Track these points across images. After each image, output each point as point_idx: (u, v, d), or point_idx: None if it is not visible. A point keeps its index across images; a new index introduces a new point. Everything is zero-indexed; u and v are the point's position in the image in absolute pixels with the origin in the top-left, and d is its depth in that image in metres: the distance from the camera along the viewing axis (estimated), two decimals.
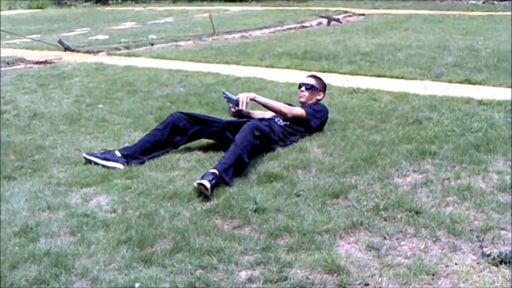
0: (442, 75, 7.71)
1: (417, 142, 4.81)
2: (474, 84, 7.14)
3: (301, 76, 8.23)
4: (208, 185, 3.95)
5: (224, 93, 5.11)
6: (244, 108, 4.98)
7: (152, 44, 13.21)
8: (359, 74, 8.31)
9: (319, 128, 5.30)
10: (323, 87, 5.55)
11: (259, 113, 5.42)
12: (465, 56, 9.26)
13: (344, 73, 8.43)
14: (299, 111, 5.21)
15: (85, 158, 4.79)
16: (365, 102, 6.44)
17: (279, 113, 5.13)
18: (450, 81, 7.37)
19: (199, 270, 3.03)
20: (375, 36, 12.71)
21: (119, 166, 4.65)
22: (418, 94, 6.67)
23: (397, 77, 7.88)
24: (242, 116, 5.14)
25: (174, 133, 4.94)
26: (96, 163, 4.71)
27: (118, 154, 4.76)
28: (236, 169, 4.26)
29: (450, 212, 3.54)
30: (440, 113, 5.71)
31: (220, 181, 4.09)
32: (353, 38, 12.52)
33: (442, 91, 6.79)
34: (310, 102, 5.41)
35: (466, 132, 5.02)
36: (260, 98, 5.11)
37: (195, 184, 4.03)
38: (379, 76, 8.07)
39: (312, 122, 5.19)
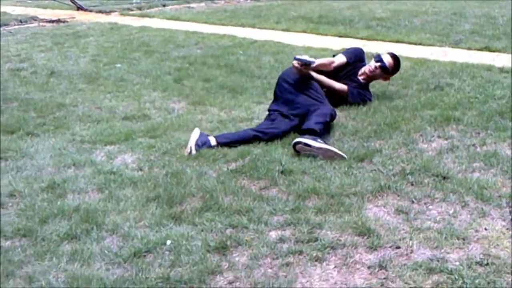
0: (461, 42, 7.65)
1: (440, 108, 4.79)
2: (493, 51, 7.09)
3: (318, 40, 8.24)
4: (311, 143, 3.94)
5: (295, 57, 4.75)
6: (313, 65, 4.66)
7: (164, 6, 13.13)
8: (376, 40, 8.25)
9: (351, 103, 5.04)
10: (395, 71, 5.19)
11: (324, 78, 4.94)
12: (483, 23, 9.16)
13: (361, 38, 8.37)
14: (342, 86, 4.96)
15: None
16: None
17: (333, 90, 4.88)
18: (469, 48, 7.31)
19: (230, 229, 3.05)
20: (389, 1, 12.58)
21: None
22: (438, 60, 6.62)
23: (415, 43, 7.83)
24: (304, 75, 4.72)
25: None
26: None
27: (213, 142, 4.21)
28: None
29: (477, 178, 3.53)
30: (461, 80, 5.68)
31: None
32: (367, 3, 12.40)
33: (462, 57, 6.73)
34: (371, 81, 5.16)
35: (489, 99, 4.99)
36: (318, 76, 4.83)
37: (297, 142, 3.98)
38: (397, 41, 8.01)
39: (350, 97, 4.98)
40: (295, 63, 4.65)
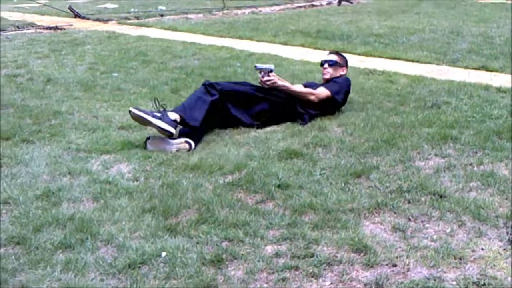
0: (458, 61, 7.68)
1: (437, 126, 4.79)
2: (491, 71, 7.10)
3: (316, 55, 8.25)
4: None
5: (256, 66, 5.06)
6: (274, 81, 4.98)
7: (162, 15, 13.15)
8: (374, 56, 8.27)
9: (345, 101, 5.35)
10: (345, 62, 5.59)
11: (292, 86, 5.26)
12: (480, 43, 9.21)
13: (359, 54, 8.39)
14: (323, 92, 5.15)
15: (132, 113, 4.40)
16: (382, 84, 6.41)
17: (303, 98, 5.08)
18: (467, 67, 7.33)
19: (225, 242, 3.02)
20: (387, 18, 12.65)
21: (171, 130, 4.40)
22: (435, 78, 6.64)
23: (413, 61, 7.85)
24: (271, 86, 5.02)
25: None
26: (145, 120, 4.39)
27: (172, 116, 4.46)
28: None
29: (474, 197, 3.52)
30: (459, 99, 5.69)
31: None
32: (365, 19, 12.46)
33: (459, 76, 6.75)
34: (334, 78, 5.43)
35: (486, 118, 4.99)
36: (282, 84, 5.04)
37: None
38: (394, 58, 8.03)
39: (338, 98, 5.20)
40: (260, 77, 5.00)
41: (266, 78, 4.92)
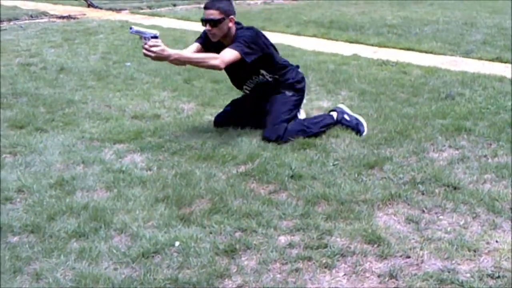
0: (472, 52, 7.61)
1: (451, 117, 4.76)
2: (505, 62, 7.05)
3: (329, 45, 8.22)
4: None
5: (131, 28, 4.11)
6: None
7: (174, 5, 13.14)
8: (387, 46, 8.22)
9: (268, 61, 4.42)
10: (227, 9, 4.25)
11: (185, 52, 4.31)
12: (494, 34, 9.13)
13: (372, 45, 8.35)
14: (230, 55, 4.12)
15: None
16: (395, 74, 6.37)
17: (204, 65, 4.14)
18: (481, 58, 7.28)
19: (239, 232, 3.02)
20: (400, 9, 12.57)
21: None
22: (449, 69, 6.59)
23: (426, 52, 7.79)
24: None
25: None
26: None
27: None
28: None
29: (488, 189, 3.50)
30: (473, 90, 5.65)
31: None
32: (378, 10, 12.39)
33: (473, 67, 6.70)
34: (228, 37, 4.30)
35: (500, 110, 4.96)
36: (173, 52, 4.00)
37: None
38: (407, 49, 7.98)
39: (247, 59, 4.20)
40: (143, 44, 3.97)
41: (151, 42, 3.90)
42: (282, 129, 4.30)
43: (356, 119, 4.59)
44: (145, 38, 3.96)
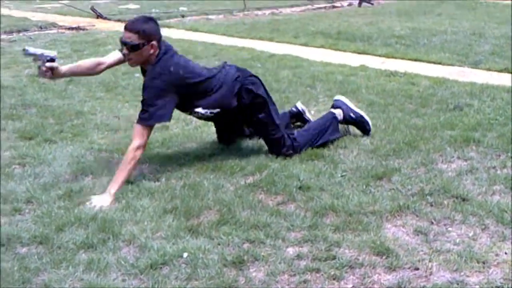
0: (481, 63, 7.59)
1: (459, 128, 4.75)
2: None
3: (337, 56, 8.23)
4: None
5: (26, 50, 3.81)
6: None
7: (183, 16, 13.17)
8: (395, 57, 8.20)
9: (195, 95, 3.96)
10: (150, 33, 3.76)
11: (85, 64, 4.12)
12: (502, 44, 9.09)
13: (380, 56, 8.33)
14: (143, 133, 3.81)
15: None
16: (403, 85, 6.36)
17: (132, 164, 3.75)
18: (489, 69, 7.24)
19: (247, 244, 3.02)
20: (408, 19, 12.54)
21: None
22: (457, 80, 6.57)
23: (434, 62, 7.76)
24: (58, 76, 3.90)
25: None
26: None
27: None
28: None
29: (497, 201, 3.48)
30: (481, 101, 5.63)
31: None
32: (385, 20, 12.37)
33: (481, 78, 6.69)
34: (149, 64, 3.86)
35: (509, 121, 4.93)
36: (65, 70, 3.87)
37: None
38: (415, 60, 7.96)
39: (166, 120, 3.92)
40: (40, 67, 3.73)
41: (49, 64, 3.72)
42: (281, 144, 4.21)
43: (361, 116, 4.61)
44: (40, 59, 3.71)
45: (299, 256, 2.90)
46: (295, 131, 4.42)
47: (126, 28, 3.78)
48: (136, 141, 3.72)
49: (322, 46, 9.11)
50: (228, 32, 10.52)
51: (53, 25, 11.36)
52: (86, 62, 4.07)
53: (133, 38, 3.72)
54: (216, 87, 4.03)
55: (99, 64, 4.00)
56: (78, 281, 2.70)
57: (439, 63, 7.71)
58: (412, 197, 3.56)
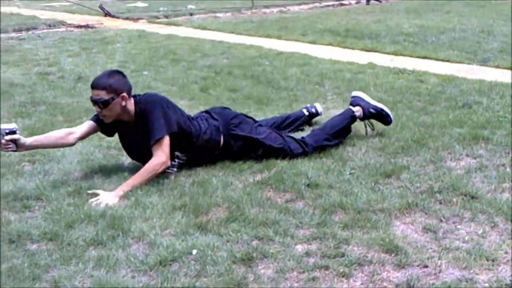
0: (489, 60, 7.58)
1: (468, 126, 4.74)
2: None
3: (345, 54, 8.22)
4: None
5: None
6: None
7: (191, 14, 13.21)
8: (403, 55, 8.21)
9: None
10: (117, 86, 3.74)
11: (55, 135, 3.92)
12: (511, 42, 9.07)
13: (388, 53, 8.34)
14: (165, 146, 3.76)
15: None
16: (411, 83, 6.36)
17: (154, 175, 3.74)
18: (498, 67, 7.24)
19: (255, 241, 3.03)
20: (416, 17, 12.53)
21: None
22: (465, 78, 6.57)
23: (443, 60, 7.77)
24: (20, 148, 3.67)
25: None
26: None
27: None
28: None
29: (507, 198, 3.47)
30: (490, 98, 5.62)
31: None
32: (394, 18, 12.36)
33: (490, 76, 6.67)
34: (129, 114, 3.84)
35: None
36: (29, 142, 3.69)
37: None
38: (424, 57, 7.96)
39: (172, 130, 3.81)
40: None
41: (8, 138, 3.56)
42: (286, 150, 4.17)
43: (382, 109, 4.62)
44: None
45: (308, 254, 2.91)
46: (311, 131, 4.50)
47: (92, 87, 3.78)
48: (162, 157, 3.71)
49: (330, 44, 9.12)
50: (236, 30, 10.54)
51: (62, 23, 11.42)
52: (56, 133, 3.91)
53: (102, 95, 3.73)
54: (199, 137, 4.00)
55: (69, 133, 3.87)
56: (88, 278, 2.71)
57: (448, 61, 7.70)
58: (421, 195, 3.55)
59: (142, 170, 3.72)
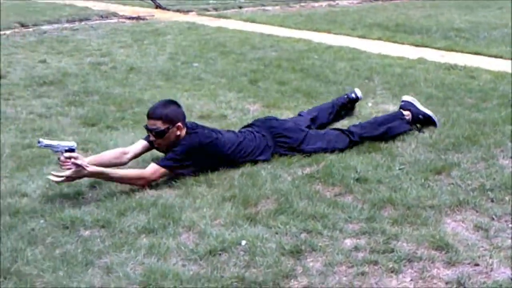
0: None
1: None
2: None
3: (394, 49, 8.13)
4: None
5: (39, 142, 3.55)
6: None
7: (240, 7, 13.24)
8: (455, 50, 8.07)
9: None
10: (172, 116, 3.80)
11: (110, 154, 3.90)
12: None
13: (439, 49, 8.21)
14: (154, 171, 3.66)
15: None
16: (463, 79, 6.26)
17: (134, 183, 3.64)
18: None
19: (304, 234, 3.04)
20: (467, 13, 12.30)
21: None
22: None
23: (495, 56, 7.61)
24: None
25: None
26: None
27: None
28: None
29: None
30: None
31: None
32: (445, 13, 12.17)
33: None
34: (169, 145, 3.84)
35: None
36: (97, 171, 3.52)
37: None
38: (475, 53, 7.82)
39: (175, 171, 3.74)
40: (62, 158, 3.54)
41: (67, 155, 3.50)
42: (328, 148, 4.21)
43: (430, 117, 4.69)
44: (57, 152, 3.54)
45: (356, 248, 2.91)
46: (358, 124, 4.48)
47: (148, 116, 3.84)
48: (149, 177, 3.65)
49: (379, 39, 9.03)
50: (285, 24, 10.52)
51: (114, 14, 11.58)
52: (110, 153, 3.92)
53: (158, 124, 3.77)
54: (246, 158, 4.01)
55: (124, 153, 3.89)
56: (139, 265, 2.77)
57: (500, 57, 7.55)
58: (472, 192, 3.51)
59: (127, 172, 3.70)
